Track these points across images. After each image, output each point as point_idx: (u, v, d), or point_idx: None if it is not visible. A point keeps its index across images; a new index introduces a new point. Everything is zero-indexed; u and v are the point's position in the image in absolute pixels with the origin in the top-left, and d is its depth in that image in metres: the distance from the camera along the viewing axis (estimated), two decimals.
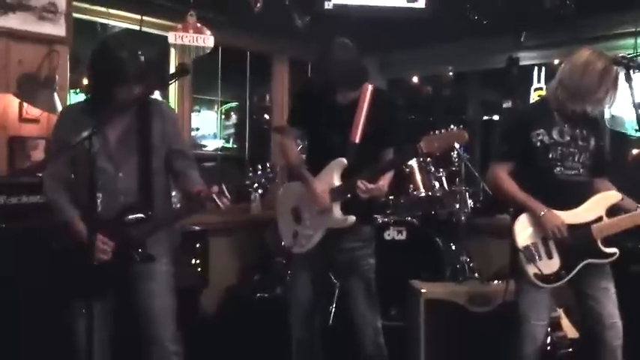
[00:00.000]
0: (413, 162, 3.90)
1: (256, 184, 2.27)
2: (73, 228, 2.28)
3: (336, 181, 2.57)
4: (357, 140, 2.59)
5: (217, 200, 2.18)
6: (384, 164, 2.62)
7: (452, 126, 2.45)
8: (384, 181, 2.58)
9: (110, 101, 2.22)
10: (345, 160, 2.57)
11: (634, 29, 3.74)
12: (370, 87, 2.65)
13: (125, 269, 2.31)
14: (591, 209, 2.57)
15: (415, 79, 5.41)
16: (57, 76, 3.29)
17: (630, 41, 3.77)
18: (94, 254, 2.06)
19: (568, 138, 2.58)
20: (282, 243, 2.77)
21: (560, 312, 3.29)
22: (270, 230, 4.17)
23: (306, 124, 2.77)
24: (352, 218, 2.55)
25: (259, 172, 2.28)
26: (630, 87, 2.43)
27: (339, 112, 2.60)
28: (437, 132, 2.42)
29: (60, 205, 2.34)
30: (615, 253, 2.52)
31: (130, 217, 2.28)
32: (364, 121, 2.59)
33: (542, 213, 2.51)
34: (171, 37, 3.85)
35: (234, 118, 6.36)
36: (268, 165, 2.31)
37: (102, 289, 2.23)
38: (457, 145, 3.88)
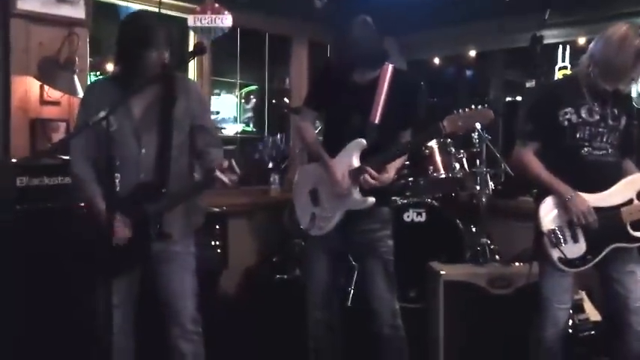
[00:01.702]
0: (433, 143, 3.85)
1: (269, 157, 2.22)
2: (93, 206, 2.29)
3: (356, 162, 2.54)
4: (377, 121, 2.56)
5: (223, 176, 2.15)
6: (398, 148, 2.57)
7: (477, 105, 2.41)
8: (391, 171, 2.55)
9: (138, 69, 2.22)
10: (364, 141, 2.54)
11: None
12: (390, 67, 2.61)
13: (144, 247, 2.31)
14: (621, 192, 2.49)
15: (436, 60, 5.31)
16: (77, 59, 3.31)
17: None
18: (112, 235, 2.07)
19: (597, 117, 2.49)
20: (300, 225, 2.76)
21: (583, 294, 3.24)
22: (287, 212, 4.17)
23: (322, 106, 2.74)
24: (371, 200, 2.53)
25: (270, 144, 2.23)
26: None
27: (359, 93, 2.57)
28: (460, 111, 2.38)
29: (83, 181, 2.34)
30: None
31: (146, 194, 2.28)
32: (384, 102, 2.56)
33: (569, 196, 2.44)
34: (191, 20, 3.85)
35: (253, 101, 6.33)
36: (279, 136, 2.26)
37: (122, 268, 2.25)
38: (478, 126, 3.86)
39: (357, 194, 2.55)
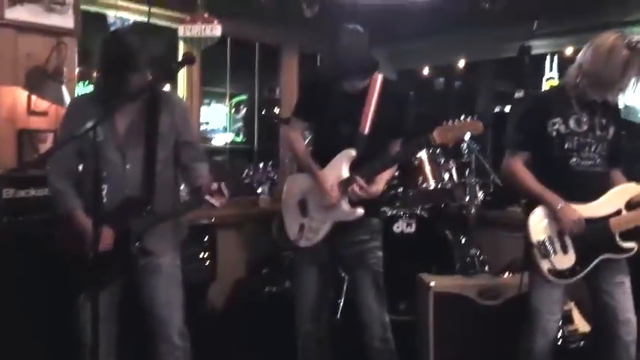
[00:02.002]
0: (422, 154, 3.85)
1: (258, 183, 2.27)
2: (73, 218, 2.28)
3: (345, 173, 2.54)
4: (366, 131, 2.55)
5: (212, 200, 2.19)
6: (388, 159, 2.57)
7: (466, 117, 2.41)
8: (380, 183, 2.55)
9: (120, 90, 2.22)
10: (353, 152, 2.54)
11: None
12: (380, 77, 2.61)
13: (128, 261, 2.30)
14: (610, 202, 2.49)
15: (426, 70, 5.33)
16: (65, 69, 3.28)
17: None
18: (97, 245, 2.05)
19: (586, 127, 2.49)
20: (288, 237, 2.74)
21: (572, 305, 3.25)
22: (275, 225, 4.15)
23: (312, 116, 2.73)
24: (360, 211, 2.52)
25: (260, 171, 2.27)
26: None
27: (348, 102, 2.56)
28: (450, 122, 2.38)
29: (63, 194, 2.34)
30: (633, 248, 2.46)
31: (130, 210, 2.28)
32: (373, 112, 2.55)
33: (560, 207, 2.44)
34: (181, 30, 3.85)
35: (243, 111, 6.33)
36: (271, 164, 2.29)
37: (104, 281, 2.22)
38: (467, 136, 3.87)
39: (345, 205, 2.54)
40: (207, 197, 2.19)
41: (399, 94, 2.71)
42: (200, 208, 2.31)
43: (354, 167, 2.53)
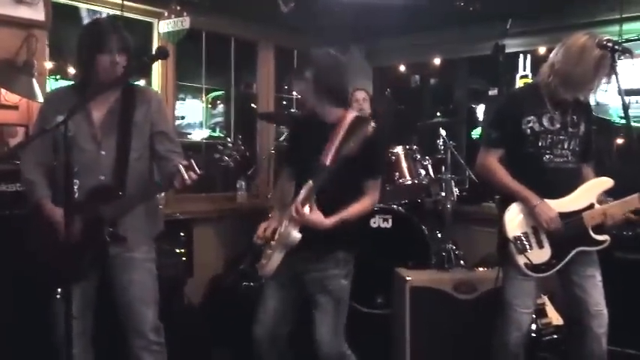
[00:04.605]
0: (399, 149, 3.88)
1: (227, 157, 2.24)
2: (42, 208, 2.27)
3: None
4: (328, 163, 2.37)
5: (184, 174, 2.16)
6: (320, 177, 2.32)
7: None
8: (330, 219, 2.31)
9: (93, 75, 2.25)
10: (311, 183, 2.32)
11: (619, 16, 3.73)
12: (352, 113, 2.50)
13: (100, 252, 2.27)
14: (583, 197, 2.54)
15: (402, 68, 5.36)
16: (36, 62, 3.22)
17: (615, 28, 3.76)
18: (70, 238, 2.01)
19: (558, 125, 2.53)
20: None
21: (545, 298, 3.30)
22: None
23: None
24: (295, 234, 2.31)
25: (231, 147, 2.25)
26: (615, 73, 2.35)
27: (319, 137, 2.45)
28: None
29: (33, 184, 2.33)
30: (606, 241, 2.51)
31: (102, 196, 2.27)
32: (339, 146, 2.36)
33: (537, 204, 2.47)
34: (162, 26, 3.83)
35: (220, 106, 6.28)
36: (240, 140, 2.28)
37: (78, 275, 2.20)
38: (443, 133, 3.93)
39: (290, 228, 2.33)
40: (181, 168, 2.15)
41: (372, 133, 2.35)
42: (168, 190, 2.32)
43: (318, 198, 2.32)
